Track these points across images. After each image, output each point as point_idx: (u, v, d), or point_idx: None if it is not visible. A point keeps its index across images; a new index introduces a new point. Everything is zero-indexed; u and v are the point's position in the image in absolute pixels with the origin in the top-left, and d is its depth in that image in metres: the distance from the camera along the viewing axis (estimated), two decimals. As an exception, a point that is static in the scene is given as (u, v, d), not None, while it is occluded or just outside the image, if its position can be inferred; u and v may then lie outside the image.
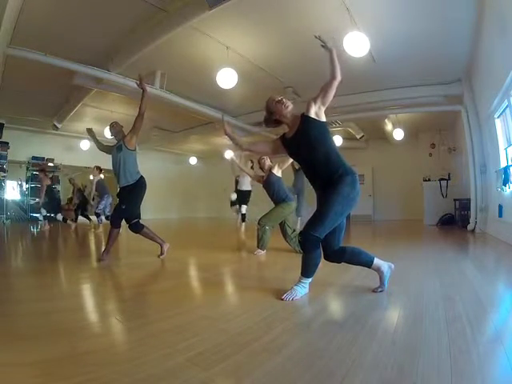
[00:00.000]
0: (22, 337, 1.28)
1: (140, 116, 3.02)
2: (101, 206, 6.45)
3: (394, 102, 6.13)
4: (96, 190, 6.51)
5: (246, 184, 6.78)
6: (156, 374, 0.99)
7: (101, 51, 4.53)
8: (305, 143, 1.80)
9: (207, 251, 3.75)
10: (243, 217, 6.83)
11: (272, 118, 1.94)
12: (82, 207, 7.16)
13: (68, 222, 6.66)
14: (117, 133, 3.18)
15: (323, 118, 1.84)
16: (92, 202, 6.73)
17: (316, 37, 1.91)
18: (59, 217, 6.72)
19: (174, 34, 3.81)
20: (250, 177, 3.82)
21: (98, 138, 3.42)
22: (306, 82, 5.33)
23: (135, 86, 3.14)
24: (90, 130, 3.37)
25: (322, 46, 1.88)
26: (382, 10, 3.63)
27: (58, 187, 9.09)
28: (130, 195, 3.06)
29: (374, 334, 1.29)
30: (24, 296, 1.90)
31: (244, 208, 6.83)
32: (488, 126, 4.90)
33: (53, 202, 6.79)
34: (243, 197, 6.85)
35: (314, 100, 1.82)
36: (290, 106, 1.90)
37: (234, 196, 7.17)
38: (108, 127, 3.28)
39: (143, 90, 3.01)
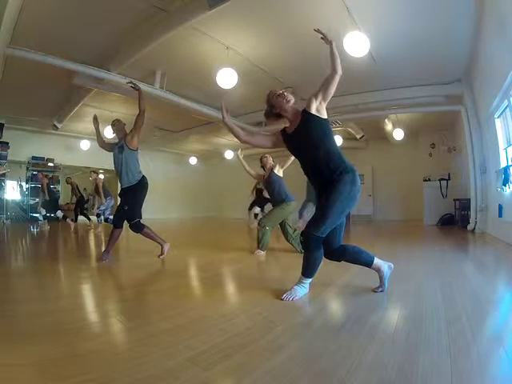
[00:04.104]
0: (22, 337, 1.28)
1: (141, 114, 3.04)
2: (102, 207, 6.48)
3: (394, 102, 6.13)
4: (97, 192, 6.58)
5: None
6: (156, 373, 0.99)
7: (101, 51, 4.53)
8: (305, 140, 1.78)
9: (207, 251, 3.75)
10: (256, 216, 7.46)
11: (273, 111, 1.92)
12: (81, 206, 7.20)
13: (68, 220, 6.68)
14: (119, 131, 3.18)
15: (324, 115, 1.80)
16: (97, 203, 6.82)
17: (316, 30, 1.91)
18: (59, 213, 6.75)
19: (174, 33, 3.81)
20: (251, 175, 3.83)
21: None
22: (305, 82, 5.31)
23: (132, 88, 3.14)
24: (95, 118, 3.32)
25: (322, 38, 1.87)
26: (382, 10, 3.63)
27: (58, 187, 9.11)
28: (132, 196, 3.06)
29: (373, 334, 1.29)
30: (24, 296, 1.90)
31: (258, 209, 7.37)
32: (488, 125, 4.90)
33: (51, 200, 6.82)
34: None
35: (315, 95, 1.79)
36: (291, 100, 1.87)
37: (257, 210, 7.51)
38: (109, 126, 3.28)
39: (138, 91, 3.06)
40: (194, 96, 6.18)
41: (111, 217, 6.37)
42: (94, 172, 6.75)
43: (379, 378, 0.95)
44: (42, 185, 6.80)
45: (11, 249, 4.02)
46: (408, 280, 2.19)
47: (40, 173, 7.26)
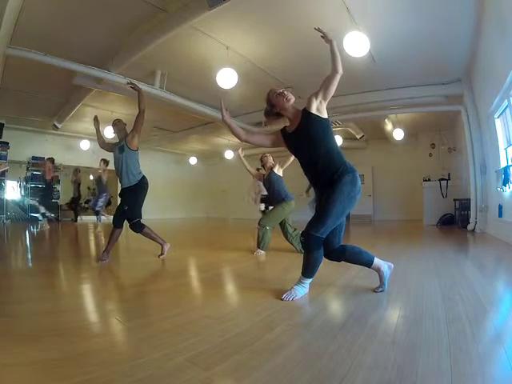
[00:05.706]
0: (22, 337, 1.28)
1: (141, 114, 3.04)
2: (100, 204, 6.42)
3: (394, 102, 6.13)
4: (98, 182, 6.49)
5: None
6: (156, 374, 0.99)
7: (101, 51, 4.53)
8: (305, 139, 1.77)
9: (207, 251, 3.75)
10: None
11: (273, 110, 1.90)
12: (76, 203, 7.18)
13: (45, 217, 6.60)
14: (120, 131, 3.18)
15: (325, 115, 1.79)
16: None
17: (316, 29, 1.90)
18: (42, 209, 6.61)
19: (174, 33, 3.81)
20: (252, 174, 3.84)
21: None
22: (305, 82, 5.32)
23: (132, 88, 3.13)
24: (96, 119, 3.32)
25: (322, 37, 1.86)
26: (382, 10, 3.63)
27: (58, 187, 9.10)
28: (132, 196, 3.06)
29: (373, 334, 1.29)
30: (24, 296, 1.90)
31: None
32: (488, 125, 4.90)
33: (47, 196, 6.78)
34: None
35: (316, 95, 1.78)
36: (291, 98, 1.85)
37: (262, 206, 7.35)
38: (110, 126, 3.29)
39: (138, 92, 3.05)
40: (193, 96, 6.17)
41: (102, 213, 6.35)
42: (104, 161, 6.26)
43: (379, 378, 0.95)
44: (44, 171, 6.64)
45: (11, 249, 4.02)
46: (408, 280, 2.19)
47: (50, 161, 6.77)
